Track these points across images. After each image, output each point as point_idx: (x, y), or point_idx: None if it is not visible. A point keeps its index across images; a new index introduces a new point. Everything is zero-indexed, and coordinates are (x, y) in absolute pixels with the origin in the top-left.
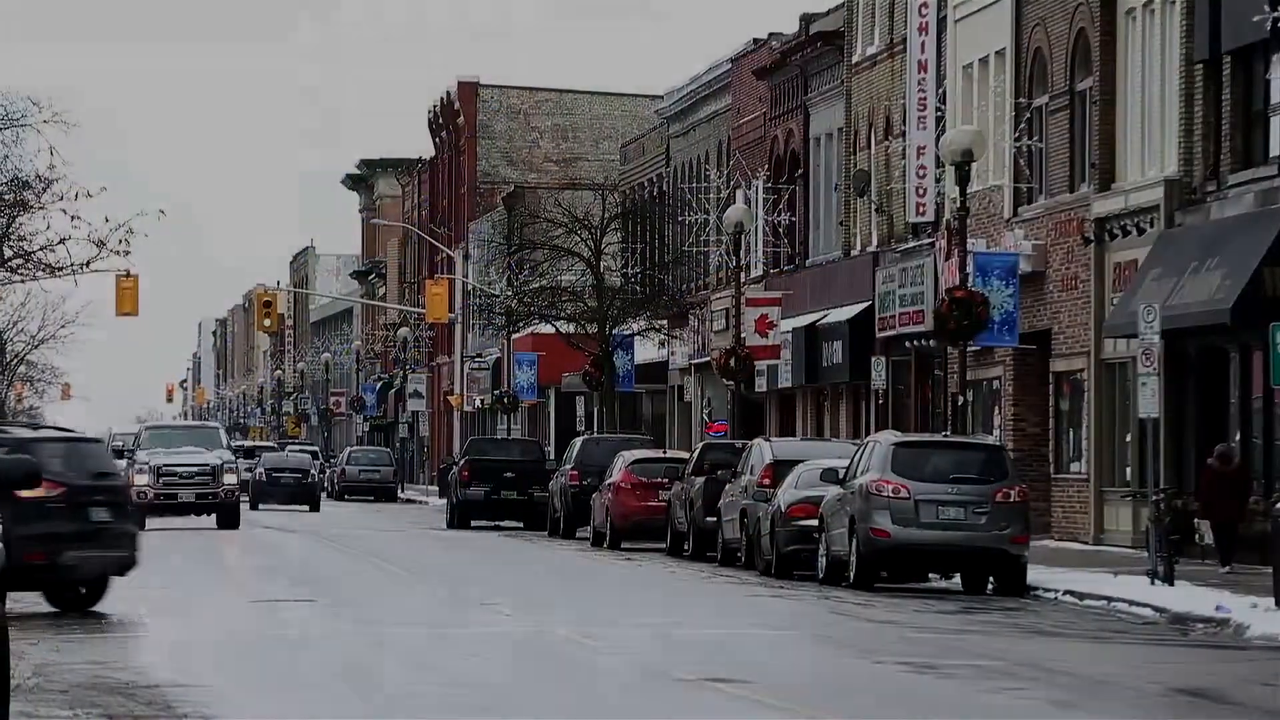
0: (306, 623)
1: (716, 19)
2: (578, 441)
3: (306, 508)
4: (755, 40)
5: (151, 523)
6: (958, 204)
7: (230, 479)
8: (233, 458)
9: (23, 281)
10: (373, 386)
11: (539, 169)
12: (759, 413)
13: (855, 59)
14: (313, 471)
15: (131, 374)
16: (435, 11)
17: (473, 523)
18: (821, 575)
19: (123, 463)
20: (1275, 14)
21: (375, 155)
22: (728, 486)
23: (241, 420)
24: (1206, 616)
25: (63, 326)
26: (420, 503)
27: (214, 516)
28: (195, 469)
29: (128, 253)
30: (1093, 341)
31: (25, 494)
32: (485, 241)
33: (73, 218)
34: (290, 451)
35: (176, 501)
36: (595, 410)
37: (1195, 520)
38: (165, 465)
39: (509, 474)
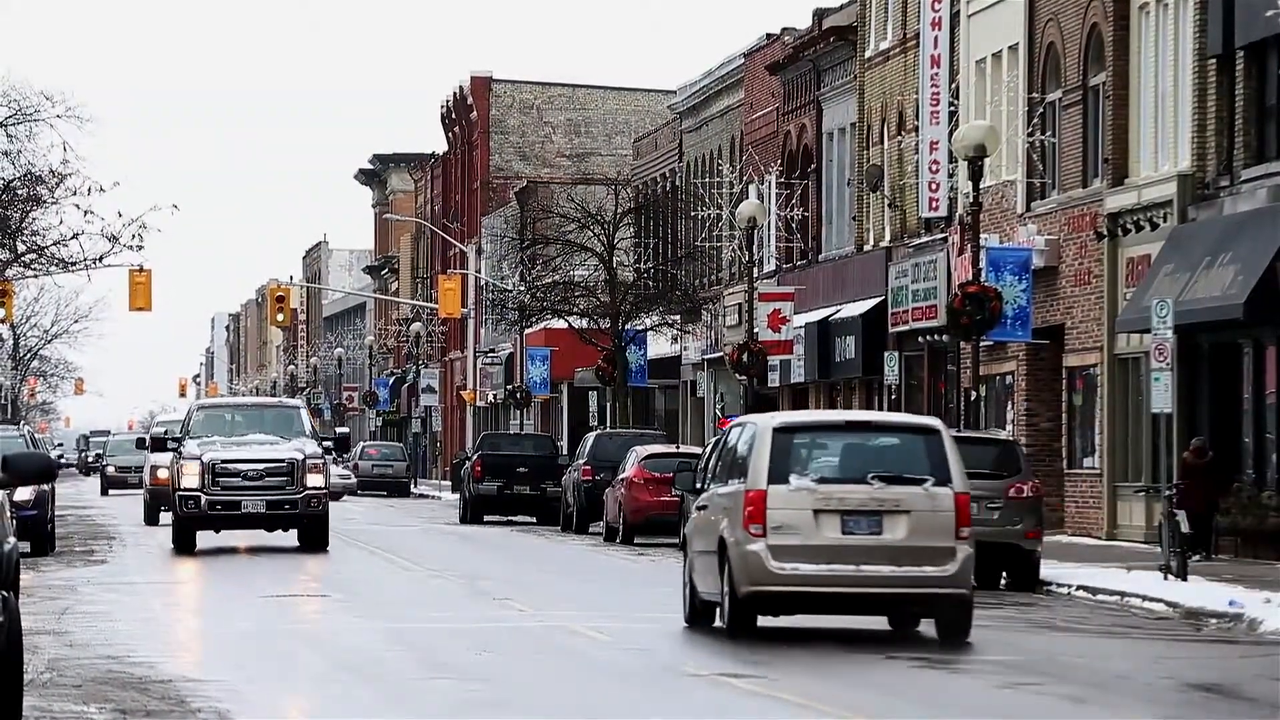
0: (319, 618)
1: (729, 14)
2: (590, 436)
3: None
4: (768, 35)
5: (203, 539)
6: (970, 199)
7: (316, 480)
8: (319, 450)
9: (36, 276)
10: (385, 381)
11: (552, 164)
12: (772, 407)
13: (868, 54)
14: None
15: (145, 369)
16: (448, 7)
17: (485, 518)
18: None
19: (166, 456)
20: None
21: (388, 150)
22: None
23: None
24: (1220, 612)
25: (76, 321)
26: (433, 498)
27: (293, 532)
28: (265, 466)
29: (141, 248)
30: (1105, 337)
31: None
32: (498, 236)
33: (86, 213)
34: None
35: (239, 513)
36: (608, 405)
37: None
38: (223, 461)
39: (522, 469)
